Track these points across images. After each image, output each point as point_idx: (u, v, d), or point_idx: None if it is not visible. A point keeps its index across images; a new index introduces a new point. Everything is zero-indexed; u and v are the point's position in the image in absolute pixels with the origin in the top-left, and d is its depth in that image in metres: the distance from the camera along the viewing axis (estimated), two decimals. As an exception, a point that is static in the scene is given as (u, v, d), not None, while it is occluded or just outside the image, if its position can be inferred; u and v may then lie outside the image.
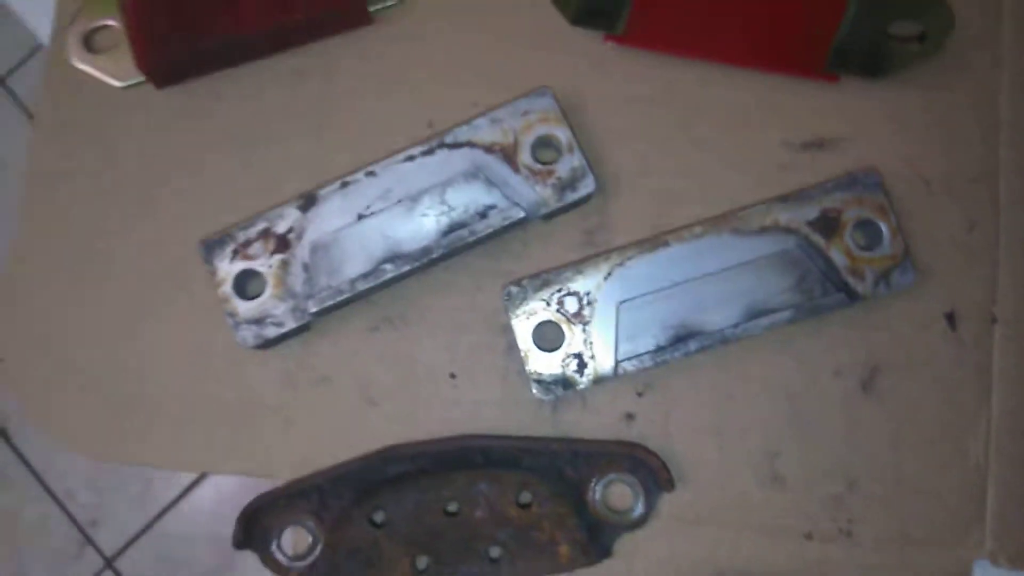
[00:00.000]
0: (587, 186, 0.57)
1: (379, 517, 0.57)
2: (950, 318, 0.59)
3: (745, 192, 0.60)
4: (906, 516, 0.58)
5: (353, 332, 0.61)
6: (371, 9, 0.62)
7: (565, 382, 0.57)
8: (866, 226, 0.57)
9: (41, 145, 0.63)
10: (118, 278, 0.62)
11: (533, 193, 0.57)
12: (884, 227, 0.57)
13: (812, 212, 0.57)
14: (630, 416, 0.59)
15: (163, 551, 1.60)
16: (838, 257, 0.56)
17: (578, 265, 0.58)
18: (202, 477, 1.54)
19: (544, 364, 0.57)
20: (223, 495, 1.56)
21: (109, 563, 1.59)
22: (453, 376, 0.60)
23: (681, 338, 0.56)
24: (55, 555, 1.60)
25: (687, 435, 0.59)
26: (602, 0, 0.60)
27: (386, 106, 0.63)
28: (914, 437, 0.58)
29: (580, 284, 0.57)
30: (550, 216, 0.59)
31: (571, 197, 0.57)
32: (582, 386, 0.57)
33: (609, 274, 0.57)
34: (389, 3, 0.63)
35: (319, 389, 0.60)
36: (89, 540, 1.61)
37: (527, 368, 0.57)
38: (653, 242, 0.57)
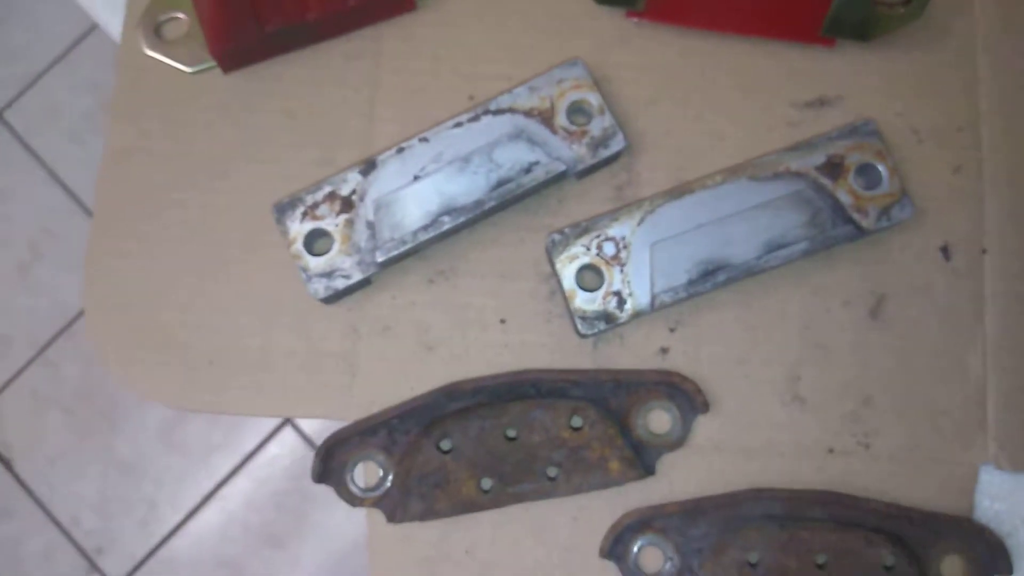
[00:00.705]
0: (618, 143, 0.64)
1: (446, 444, 0.62)
2: (944, 250, 0.66)
3: (757, 146, 0.68)
4: (916, 428, 0.65)
5: (410, 285, 0.67)
6: (415, -4, 0.69)
7: (607, 317, 0.63)
8: (866, 169, 0.64)
9: (116, 125, 0.69)
10: (193, 242, 0.68)
11: (570, 151, 0.64)
12: (882, 169, 0.64)
13: (819, 158, 0.64)
14: (664, 350, 0.66)
15: (169, 573, 1.61)
16: (844, 197, 0.63)
17: (614, 213, 0.64)
18: (209, 498, 1.56)
19: (587, 302, 0.63)
20: (230, 516, 1.58)
21: None
22: (503, 321, 0.67)
23: (709, 272, 0.63)
24: None
25: (716, 365, 0.66)
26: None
27: (430, 83, 0.70)
28: (919, 357, 0.65)
29: (616, 230, 0.64)
30: (584, 173, 0.66)
31: (604, 154, 0.64)
32: (622, 320, 0.63)
33: (642, 220, 0.64)
34: (432, -10, 0.70)
35: (381, 337, 0.66)
36: (95, 567, 1.62)
37: (572, 306, 0.63)
38: (679, 190, 0.64)
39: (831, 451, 0.64)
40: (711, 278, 0.63)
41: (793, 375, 0.65)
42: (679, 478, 0.64)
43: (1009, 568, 0.61)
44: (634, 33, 0.70)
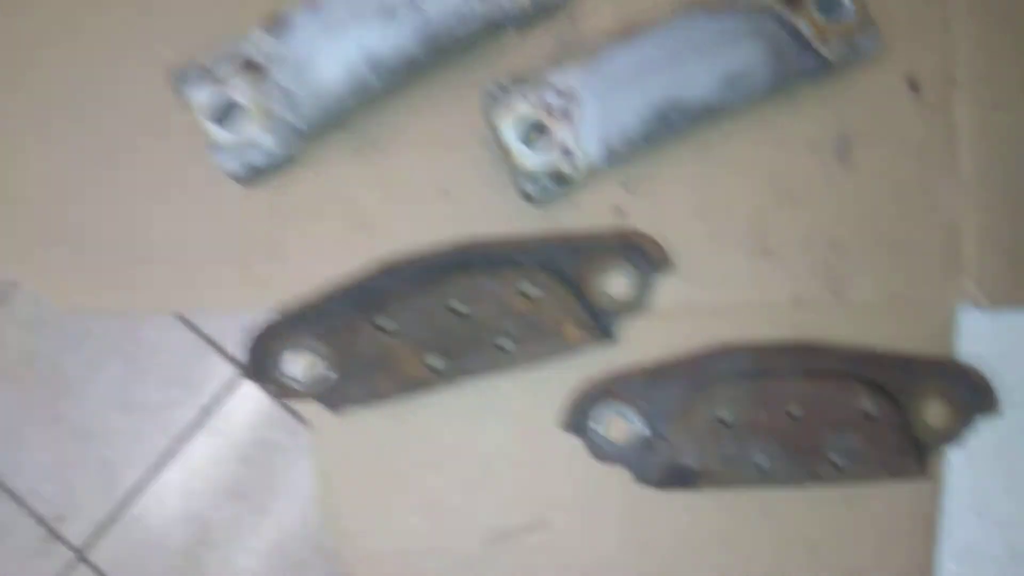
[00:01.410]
0: None
1: (386, 324, 0.57)
2: (913, 82, 0.62)
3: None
4: (889, 271, 0.61)
5: (337, 159, 0.61)
6: None
7: (556, 176, 0.58)
8: (828, -4, 0.59)
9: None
10: (78, 116, 0.60)
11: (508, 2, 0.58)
12: (844, -5, 0.58)
13: (774, -12, 0.59)
14: (620, 210, 0.61)
15: (137, 536, 1.56)
16: (804, 27, 0.58)
17: (556, 60, 0.58)
18: (169, 456, 1.51)
19: (532, 161, 0.58)
20: (192, 472, 1.53)
21: (81, 555, 1.56)
22: (445, 192, 0.61)
23: (666, 115, 0.57)
24: (22, 554, 1.56)
25: (676, 221, 0.61)
26: None
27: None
28: (890, 198, 0.61)
29: (560, 78, 0.58)
30: (524, 23, 0.59)
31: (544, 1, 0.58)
32: (573, 178, 0.58)
33: (589, 65, 0.58)
34: None
35: (308, 219, 0.60)
36: (56, 536, 1.57)
37: (516, 168, 0.58)
38: (628, 31, 0.58)
39: (800, 301, 0.60)
40: (668, 122, 0.57)
41: (759, 226, 0.61)
42: (642, 342, 0.60)
43: (995, 406, 0.58)
44: None
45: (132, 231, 0.60)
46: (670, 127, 0.57)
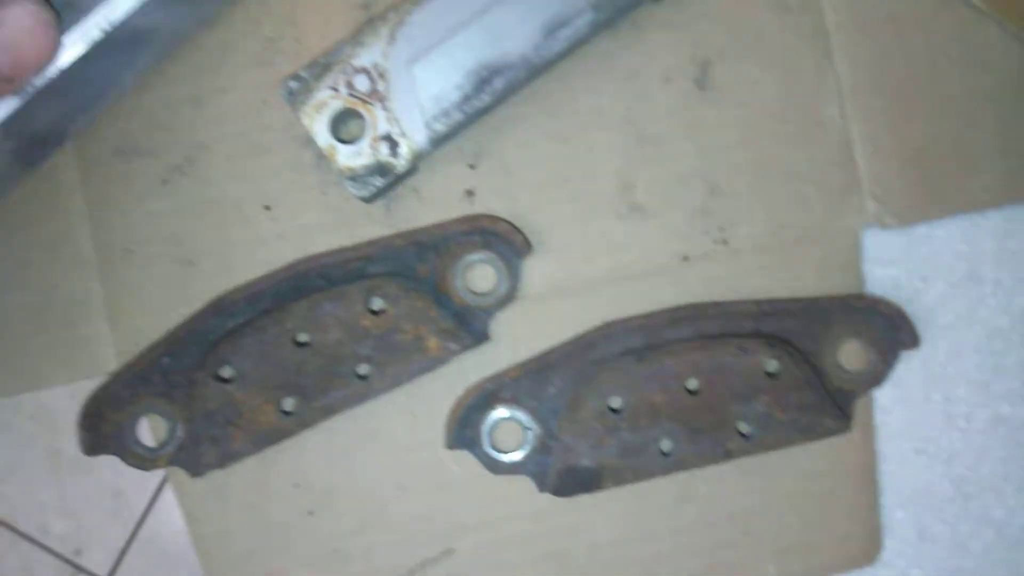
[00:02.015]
0: None
1: (227, 372, 0.51)
2: (772, -14, 0.54)
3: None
4: (778, 206, 0.54)
5: (139, 190, 0.53)
6: None
7: (382, 169, 0.51)
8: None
9: None
10: None
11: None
12: (671, -101, 0.51)
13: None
14: (470, 193, 0.54)
15: (157, 553, 1.54)
16: (631, -53, 0.50)
17: (355, 38, 0.51)
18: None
19: (353, 157, 0.51)
20: None
21: None
22: (268, 208, 0.54)
23: (485, 79, 0.50)
24: None
25: (533, 194, 0.54)
26: None
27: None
28: (764, 122, 0.54)
29: (364, 58, 0.50)
30: None
31: None
32: (400, 168, 0.50)
33: (392, 37, 0.50)
34: None
35: (124, 263, 0.53)
36: (79, 568, 1.54)
37: (336, 167, 0.51)
38: (430, -10, 0.51)
39: (686, 258, 0.54)
40: (488, 87, 0.50)
41: (625, 182, 0.54)
42: (521, 336, 0.54)
43: (915, 339, 0.52)
44: None
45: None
46: (492, 92, 0.50)
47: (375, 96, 0.51)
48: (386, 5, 0.53)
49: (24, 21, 0.39)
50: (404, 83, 0.50)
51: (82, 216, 0.53)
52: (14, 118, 0.44)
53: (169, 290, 0.53)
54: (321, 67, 0.51)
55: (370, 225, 0.54)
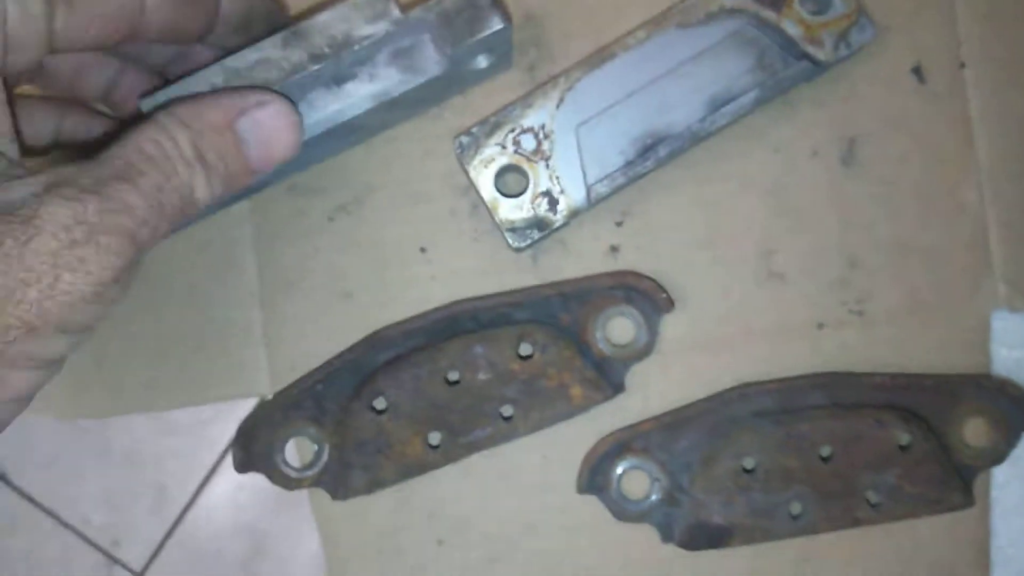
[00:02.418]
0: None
1: (380, 404, 0.54)
2: (917, 71, 0.56)
3: (682, -11, 0.57)
4: (913, 282, 0.56)
5: (310, 227, 0.57)
6: None
7: (540, 223, 0.53)
8: (813, -10, 0.54)
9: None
10: None
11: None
12: (832, -14, 0.53)
13: (753, -10, 0.54)
14: (614, 248, 0.57)
15: (191, 552, 1.58)
16: (792, 28, 0.53)
17: (526, 99, 0.54)
18: (214, 471, 1.51)
19: (514, 210, 0.54)
20: (240, 483, 1.53)
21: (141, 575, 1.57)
22: (423, 250, 0.57)
23: (649, 147, 0.53)
24: None
25: (677, 254, 0.56)
26: None
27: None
28: (905, 201, 0.56)
29: (532, 118, 0.54)
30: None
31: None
32: (558, 223, 0.53)
33: (560, 100, 0.54)
34: None
35: (287, 293, 0.57)
36: (115, 560, 1.58)
37: (497, 218, 0.54)
38: (598, 57, 0.54)
39: (821, 326, 0.56)
40: (652, 154, 0.53)
41: (766, 248, 0.56)
42: (654, 389, 0.56)
43: None
44: None
45: (102, 333, 0.57)
46: (655, 158, 0.53)
47: (539, 155, 0.54)
48: (553, 68, 0.56)
49: (278, 121, 0.43)
50: (568, 144, 0.53)
51: (250, 246, 0.57)
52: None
53: (326, 321, 0.56)
54: (491, 125, 0.54)
55: (518, 273, 0.56)
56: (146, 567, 1.62)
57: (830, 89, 0.56)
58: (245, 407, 0.57)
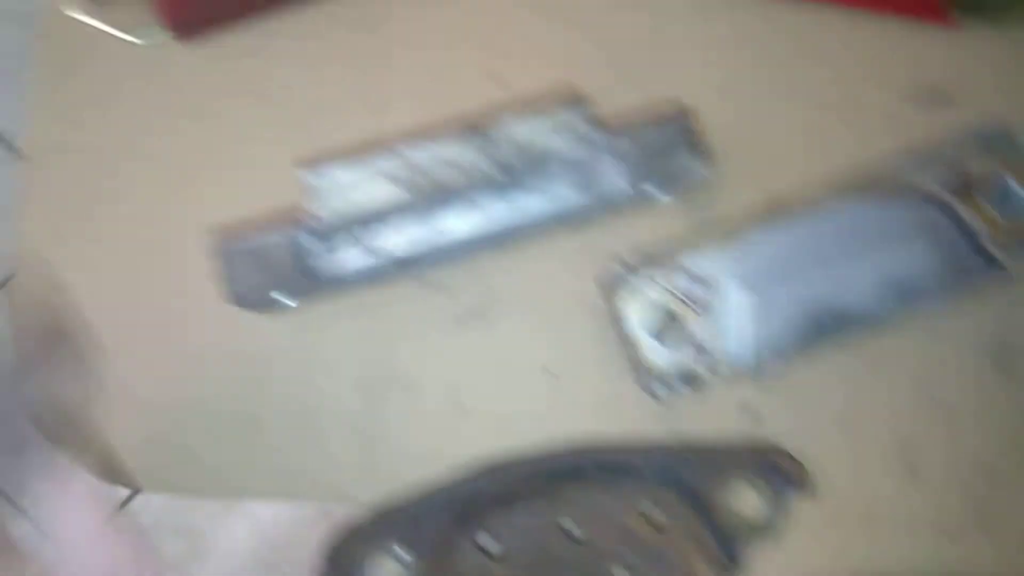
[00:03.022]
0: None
1: (485, 541, 0.49)
2: (1086, 290, 0.55)
3: (861, 148, 0.54)
4: (1047, 500, 0.54)
5: (437, 326, 0.52)
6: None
7: (687, 377, 0.50)
8: (1003, 188, 0.52)
9: (38, 115, 0.52)
10: (132, 270, 0.52)
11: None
12: (1022, 190, 0.51)
13: (942, 172, 0.52)
14: (749, 409, 0.53)
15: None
16: (977, 223, 0.51)
17: (694, 242, 0.50)
18: None
19: (661, 356, 0.50)
20: None
21: None
22: (549, 373, 0.53)
23: (822, 323, 0.50)
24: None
25: (813, 428, 0.53)
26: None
27: (445, 57, 0.54)
28: (1054, 418, 0.54)
29: (698, 263, 0.50)
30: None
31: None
32: (706, 381, 0.50)
33: (733, 253, 0.50)
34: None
35: (403, 395, 0.52)
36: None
37: (642, 361, 0.50)
38: (775, 213, 0.51)
39: (947, 532, 0.53)
40: (824, 332, 0.50)
41: (905, 440, 0.54)
42: (773, 572, 0.52)
43: None
44: (711, -1, 0.55)
45: (190, 399, 0.51)
46: (824, 338, 0.50)
47: (699, 304, 0.50)
48: (719, 209, 0.53)
49: None
50: (732, 300, 0.50)
51: (359, 335, 0.52)
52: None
53: (434, 431, 0.52)
54: (650, 260, 0.50)
55: (645, 415, 0.53)
56: None
57: (997, 288, 0.54)
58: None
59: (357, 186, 0.44)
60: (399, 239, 0.47)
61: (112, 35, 0.51)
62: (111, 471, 0.50)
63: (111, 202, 0.52)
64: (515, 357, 0.53)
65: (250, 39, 0.53)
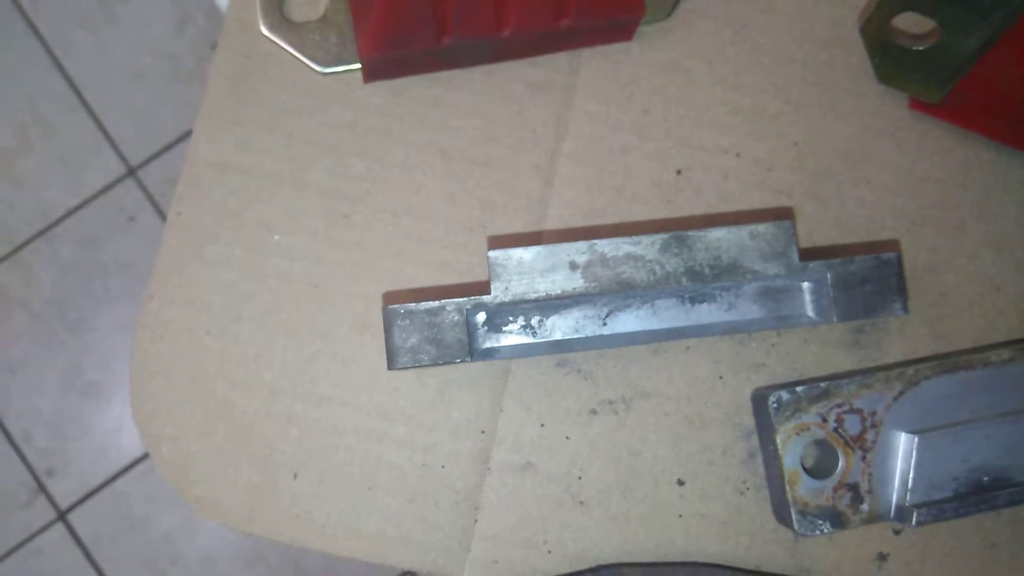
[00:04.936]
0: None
1: (594, 651, 0.47)
2: None
3: (1044, 307, 0.52)
4: None
5: (570, 411, 0.50)
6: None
7: (835, 518, 0.47)
8: None
9: (207, 129, 0.50)
10: (289, 312, 0.50)
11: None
12: None
13: None
14: (883, 557, 0.51)
15: (122, 508, 1.47)
16: None
17: (864, 378, 0.48)
18: None
19: (812, 493, 0.47)
20: None
21: (62, 516, 1.46)
22: (681, 483, 0.50)
23: (984, 487, 0.47)
24: (2, 500, 1.46)
25: (945, 584, 0.51)
26: (932, 61, 0.49)
27: (632, 142, 0.52)
28: None
29: (866, 401, 0.48)
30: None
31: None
32: (855, 524, 0.47)
33: (901, 393, 0.48)
34: (657, 17, 0.52)
35: (519, 475, 0.50)
36: (42, 488, 1.47)
37: (790, 494, 0.47)
38: (953, 362, 0.48)
39: None
40: (987, 496, 0.47)
41: (1036, 612, 0.51)
42: None
43: None
44: (910, 126, 0.53)
45: (313, 453, 0.49)
46: (991, 503, 0.47)
47: (859, 443, 0.48)
48: (884, 346, 0.51)
49: None
50: (895, 444, 0.48)
51: (487, 408, 0.50)
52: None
53: (552, 522, 0.50)
54: (819, 392, 0.48)
55: (772, 545, 0.50)
56: (69, 509, 1.51)
57: None
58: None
59: (539, 270, 0.42)
60: (566, 326, 0.45)
61: (298, 60, 0.49)
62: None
63: (261, 228, 0.50)
64: (649, 456, 0.50)
65: (433, 88, 0.51)
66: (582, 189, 0.51)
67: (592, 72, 0.52)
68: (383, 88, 0.51)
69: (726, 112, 0.53)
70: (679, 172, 0.52)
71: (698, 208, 0.51)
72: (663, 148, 0.52)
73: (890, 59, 0.50)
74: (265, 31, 0.49)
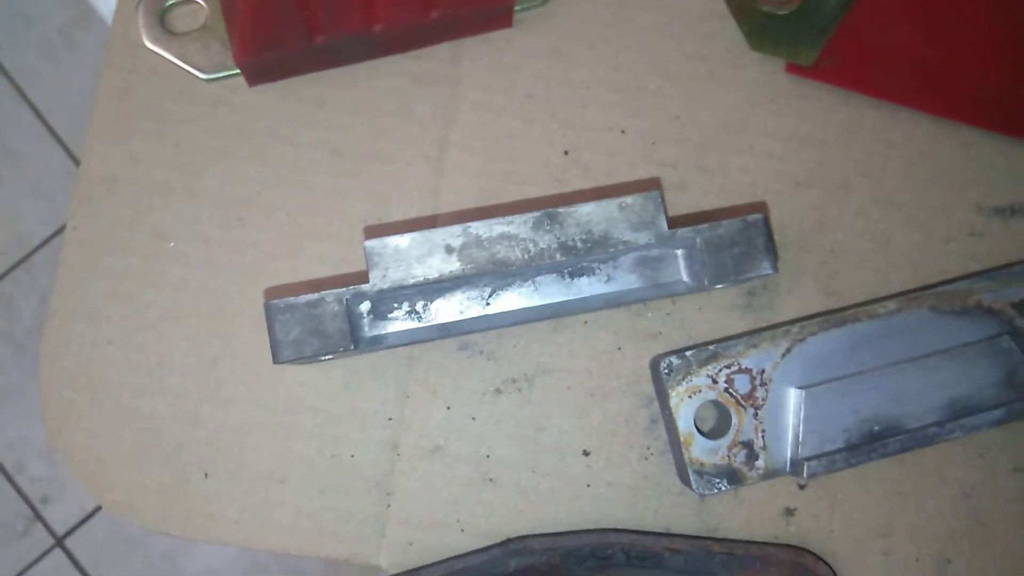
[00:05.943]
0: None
1: (509, 624, 0.48)
2: None
3: (929, 258, 0.53)
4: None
5: (473, 393, 0.51)
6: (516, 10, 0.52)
7: (732, 475, 0.49)
8: (1074, 312, 0.50)
9: (98, 144, 0.52)
10: (189, 316, 0.51)
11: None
12: (1099, 317, 0.50)
13: (1013, 290, 0.50)
14: (789, 511, 0.52)
15: (119, 530, 1.49)
16: (1045, 347, 0.49)
17: (752, 338, 0.49)
18: None
19: (707, 453, 0.49)
20: None
21: (59, 542, 1.48)
22: (587, 453, 0.52)
23: (875, 436, 0.48)
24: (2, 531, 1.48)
25: (850, 536, 0.52)
26: (799, 24, 0.50)
27: (518, 127, 0.53)
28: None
29: (753, 360, 0.49)
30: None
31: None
32: (751, 481, 0.48)
33: (788, 351, 0.49)
34: (534, 3, 0.53)
35: (428, 458, 0.51)
36: (38, 516, 1.48)
37: (687, 455, 0.49)
38: (839, 317, 0.49)
39: (978, 657, 0.51)
40: (877, 445, 0.48)
41: (942, 555, 0.52)
42: None
43: None
44: (789, 91, 0.54)
45: (221, 447, 0.50)
46: (880, 451, 0.48)
47: (750, 401, 0.49)
48: (775, 305, 0.52)
49: None
50: (786, 400, 0.49)
51: (393, 397, 0.51)
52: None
53: (462, 502, 0.51)
54: (708, 354, 0.49)
55: (679, 507, 0.51)
56: (67, 535, 1.53)
57: (1056, 412, 0.52)
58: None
59: (416, 256, 0.43)
60: (450, 308, 0.46)
61: (182, 70, 0.50)
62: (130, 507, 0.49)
63: (156, 237, 0.51)
64: (554, 433, 0.52)
65: (319, 87, 0.52)
66: (472, 176, 0.53)
67: (475, 61, 0.54)
68: (269, 91, 0.52)
69: (609, 91, 0.54)
70: (567, 153, 0.53)
71: (586, 186, 0.53)
72: (549, 131, 0.53)
73: (759, 26, 0.51)
74: (148, 43, 0.50)
